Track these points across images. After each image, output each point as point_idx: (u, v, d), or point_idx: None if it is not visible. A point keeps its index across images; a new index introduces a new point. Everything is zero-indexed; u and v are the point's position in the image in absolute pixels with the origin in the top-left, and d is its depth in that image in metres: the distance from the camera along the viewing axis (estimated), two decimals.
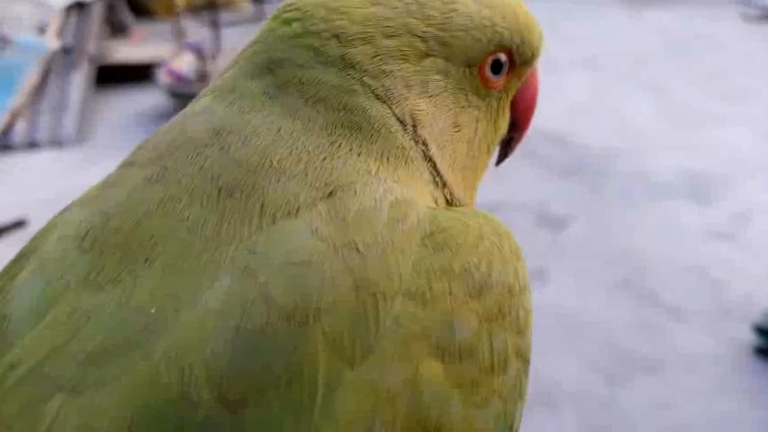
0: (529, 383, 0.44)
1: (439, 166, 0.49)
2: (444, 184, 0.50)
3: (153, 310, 0.35)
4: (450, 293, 0.39)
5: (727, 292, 2.55)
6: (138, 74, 5.06)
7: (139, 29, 6.12)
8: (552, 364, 2.20)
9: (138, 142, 0.47)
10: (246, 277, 0.36)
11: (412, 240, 0.40)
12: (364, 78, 0.46)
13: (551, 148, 3.83)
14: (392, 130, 0.46)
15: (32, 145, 4.19)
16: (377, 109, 0.46)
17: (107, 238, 0.38)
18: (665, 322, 2.39)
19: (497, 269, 0.42)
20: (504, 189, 3.26)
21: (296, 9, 0.49)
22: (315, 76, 0.46)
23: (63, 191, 0.51)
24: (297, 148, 0.42)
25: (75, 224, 0.40)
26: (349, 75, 0.46)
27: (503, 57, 0.53)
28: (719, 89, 4.73)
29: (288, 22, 0.48)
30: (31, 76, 4.57)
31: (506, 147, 0.62)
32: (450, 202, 0.51)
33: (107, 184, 0.43)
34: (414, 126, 0.47)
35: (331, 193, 0.40)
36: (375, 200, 0.41)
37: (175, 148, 0.43)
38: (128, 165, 0.44)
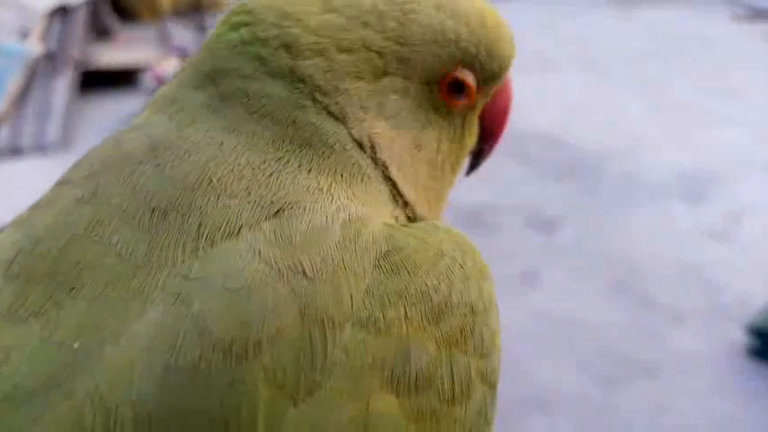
0: (497, 408, 0.41)
1: (400, 186, 0.46)
2: (406, 204, 0.46)
3: (76, 345, 0.31)
4: (406, 319, 0.36)
5: (721, 292, 2.54)
6: (123, 78, 5.01)
7: (124, 33, 6.06)
8: (547, 369, 2.18)
9: None
10: (179, 306, 0.32)
11: (366, 261, 0.36)
12: (315, 94, 0.42)
13: (544, 149, 3.81)
14: (347, 147, 0.42)
15: (16, 151, 4.13)
16: (330, 125, 0.42)
17: (33, 265, 0.35)
18: (660, 324, 2.38)
19: (458, 288, 0.39)
20: (496, 191, 3.24)
21: (246, 12, 0.45)
22: (261, 88, 0.42)
23: None
24: (239, 165, 0.39)
25: (4, 248, 0.37)
26: (298, 89, 0.42)
27: (465, 73, 0.48)
28: (713, 89, 4.74)
29: (236, 27, 0.44)
30: (14, 82, 4.51)
31: (476, 157, 0.58)
32: (413, 221, 0.47)
33: (41, 204, 0.40)
34: (372, 149, 0.43)
35: (277, 212, 0.37)
36: (326, 218, 0.37)
37: (109, 166, 0.39)
38: (62, 183, 0.41)
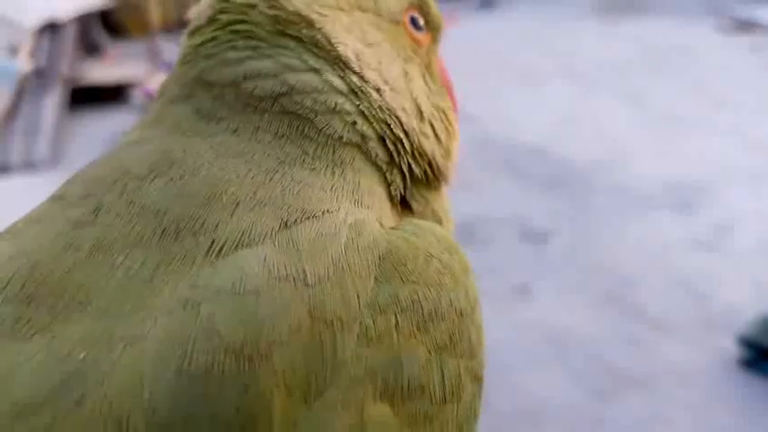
0: (482, 405, 0.41)
1: (403, 120, 0.47)
2: (411, 174, 0.48)
3: (82, 356, 0.31)
4: (397, 327, 0.36)
5: (711, 303, 2.54)
6: (113, 95, 5.01)
7: (114, 49, 6.07)
8: (538, 382, 2.18)
9: None
10: (188, 311, 0.32)
11: (370, 262, 0.37)
12: (302, 30, 0.45)
13: (532, 161, 3.82)
14: (337, 108, 0.44)
15: (5, 168, 4.11)
16: (320, 78, 0.44)
17: (35, 288, 0.34)
18: (650, 336, 2.38)
19: (448, 295, 0.39)
20: (485, 203, 3.24)
21: (220, 0, 0.47)
22: (248, 69, 0.43)
23: None
24: (247, 175, 0.39)
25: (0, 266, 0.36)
26: (285, 47, 0.44)
27: (416, 14, 0.53)
28: (699, 99, 4.76)
29: (211, 20, 0.47)
30: (2, 99, 4.50)
31: None
32: (424, 177, 0.49)
33: (33, 218, 0.39)
34: (360, 66, 0.46)
35: (294, 222, 0.37)
36: (334, 225, 0.38)
37: (111, 184, 0.39)
38: (56, 198, 0.40)
